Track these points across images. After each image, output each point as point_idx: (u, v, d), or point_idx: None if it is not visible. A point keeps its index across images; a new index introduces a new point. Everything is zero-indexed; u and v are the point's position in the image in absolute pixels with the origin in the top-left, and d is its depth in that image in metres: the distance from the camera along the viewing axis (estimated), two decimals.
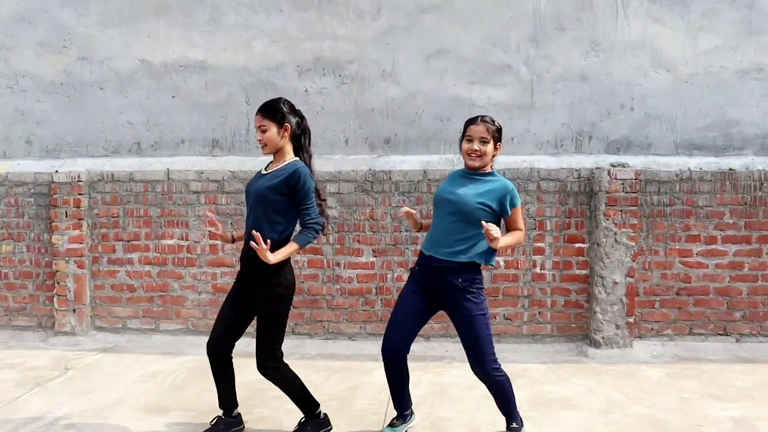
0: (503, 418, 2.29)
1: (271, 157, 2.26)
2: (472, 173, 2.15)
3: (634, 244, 3.37)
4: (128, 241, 3.70)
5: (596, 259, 3.41)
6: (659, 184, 3.44)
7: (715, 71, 3.52)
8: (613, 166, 3.40)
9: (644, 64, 3.53)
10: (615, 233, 3.37)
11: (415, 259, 3.47)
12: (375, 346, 3.45)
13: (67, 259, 3.65)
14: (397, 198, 3.52)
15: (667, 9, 3.51)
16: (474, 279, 2.11)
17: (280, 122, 2.15)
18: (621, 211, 3.37)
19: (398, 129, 3.67)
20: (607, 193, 3.36)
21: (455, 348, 3.46)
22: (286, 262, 2.16)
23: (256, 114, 2.17)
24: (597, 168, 3.42)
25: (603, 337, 3.39)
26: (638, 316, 3.46)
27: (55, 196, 3.66)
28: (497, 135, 2.14)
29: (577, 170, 3.48)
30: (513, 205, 2.13)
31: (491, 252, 2.13)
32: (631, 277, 3.38)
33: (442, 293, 2.13)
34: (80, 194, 3.66)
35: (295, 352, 3.29)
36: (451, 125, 3.65)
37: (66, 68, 3.79)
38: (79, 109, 3.81)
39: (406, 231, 3.55)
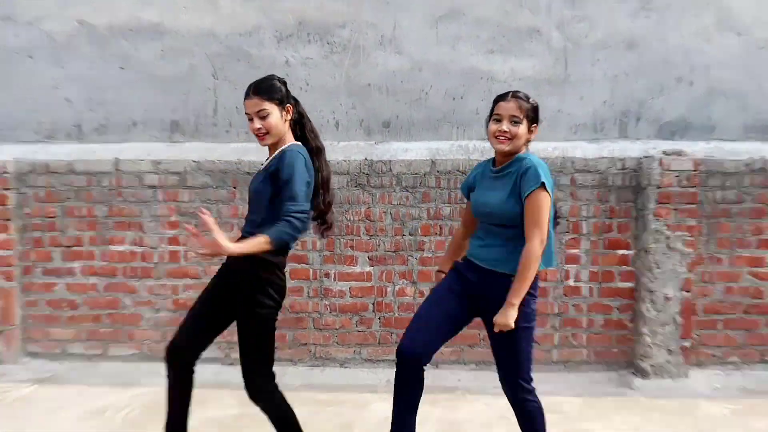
0: None
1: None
2: (499, 170, 2.21)
3: (691, 250, 3.44)
4: (68, 247, 3.76)
5: (644, 269, 3.48)
6: (724, 177, 3.50)
7: None
8: (667, 155, 3.46)
9: (708, 27, 3.58)
10: (668, 237, 3.43)
11: (421, 268, 3.63)
12: (372, 375, 3.58)
13: None
14: (399, 194, 3.60)
15: None
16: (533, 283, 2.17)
17: (281, 103, 2.20)
18: (675, 209, 3.43)
19: (400, 109, 3.74)
20: (659, 187, 3.43)
21: (469, 377, 3.56)
22: (276, 270, 2.24)
23: (251, 96, 2.18)
24: (646, 157, 3.49)
25: (652, 365, 3.46)
26: (696, 340, 3.53)
27: None
28: (532, 114, 2.17)
29: (621, 160, 3.55)
30: (527, 190, 2.07)
31: (549, 253, 2.18)
32: (688, 291, 3.45)
33: (487, 296, 2.18)
34: (6, 189, 3.71)
35: (276, 381, 3.37)
36: (465, 104, 3.71)
37: None
38: (2, 83, 3.83)
39: (409, 235, 3.64)
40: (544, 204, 2.08)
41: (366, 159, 3.65)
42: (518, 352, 2.19)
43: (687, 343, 3.49)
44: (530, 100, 2.20)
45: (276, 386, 2.32)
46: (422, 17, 3.69)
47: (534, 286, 2.17)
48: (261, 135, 2.20)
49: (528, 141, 2.21)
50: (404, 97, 3.74)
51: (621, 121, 3.70)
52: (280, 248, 2.18)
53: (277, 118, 2.19)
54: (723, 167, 3.52)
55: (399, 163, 3.62)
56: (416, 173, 3.62)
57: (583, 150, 3.61)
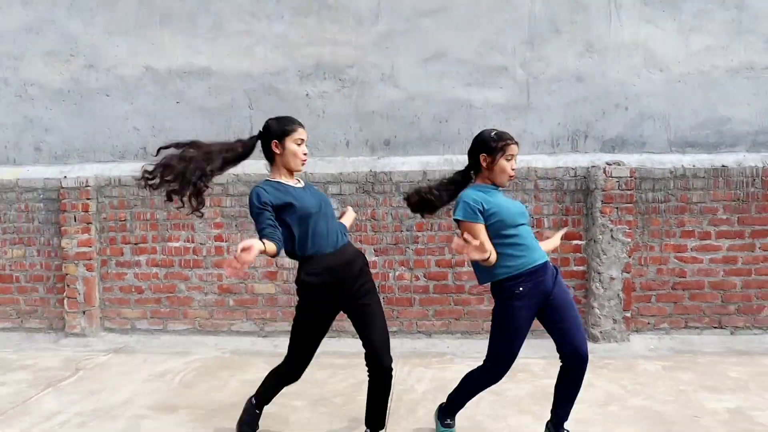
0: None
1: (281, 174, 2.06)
2: (501, 190, 2.03)
3: (630, 240, 3.37)
4: (136, 243, 3.71)
5: (593, 256, 3.41)
6: (654, 182, 3.44)
7: (707, 70, 3.52)
8: (609, 165, 3.40)
9: (638, 65, 3.53)
10: (611, 230, 3.37)
11: (416, 257, 3.54)
12: None
13: (76, 262, 3.66)
14: (398, 198, 3.52)
15: (659, 10, 3.52)
16: None
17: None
18: (617, 208, 3.37)
19: (398, 131, 3.68)
20: (603, 190, 3.37)
21: (456, 344, 3.47)
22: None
23: (302, 126, 2.01)
24: (593, 166, 3.42)
25: (601, 332, 3.39)
26: (635, 311, 3.46)
27: (64, 201, 3.67)
28: None
29: (573, 169, 3.48)
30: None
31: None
32: (628, 272, 3.38)
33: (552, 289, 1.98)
34: (88, 199, 3.68)
35: None
36: (449, 126, 3.64)
37: (73, 76, 3.80)
38: (86, 115, 3.82)
39: (407, 230, 3.55)
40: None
41: (371, 170, 3.58)
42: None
43: (628, 314, 3.41)
44: None
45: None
46: (414, 58, 3.64)
47: None
48: (305, 160, 2.03)
49: None
50: (401, 122, 3.67)
51: (573, 139, 3.62)
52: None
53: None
54: (653, 174, 3.45)
55: (397, 174, 3.55)
56: (411, 181, 3.53)
57: (543, 161, 3.54)
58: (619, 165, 3.40)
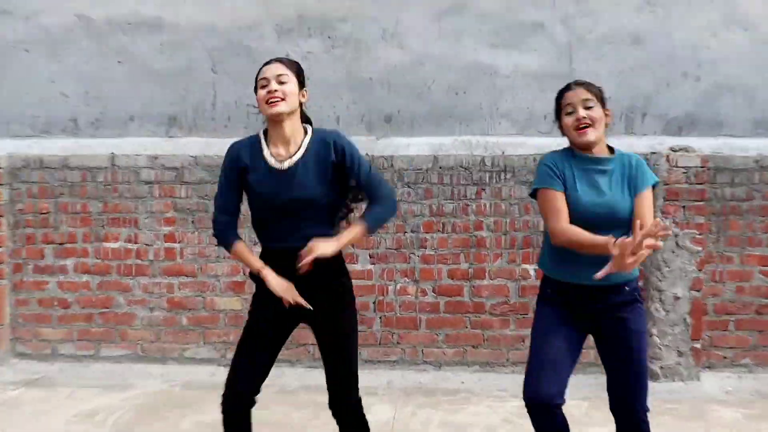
0: None
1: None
2: (595, 161, 1.92)
3: (700, 249, 3.34)
4: (61, 244, 3.66)
5: (652, 268, 3.37)
6: (733, 174, 3.42)
7: None
8: (674, 151, 3.37)
9: (715, 22, 3.51)
10: (676, 235, 3.34)
11: (423, 266, 3.47)
12: (373, 376, 3.45)
13: None
14: (401, 190, 3.49)
15: None
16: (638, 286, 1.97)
17: (302, 83, 1.96)
18: (684, 207, 3.34)
19: (402, 104, 3.65)
20: (666, 184, 3.34)
21: (473, 379, 3.44)
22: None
23: (273, 62, 1.94)
24: (653, 153, 3.39)
25: (662, 367, 3.35)
26: (707, 341, 3.42)
27: None
28: (602, 96, 1.98)
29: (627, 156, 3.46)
30: (645, 183, 1.88)
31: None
32: (698, 290, 3.35)
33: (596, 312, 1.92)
34: None
35: (272, 384, 3.20)
36: (468, 99, 3.62)
37: None
38: None
39: (412, 232, 3.52)
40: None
41: (367, 154, 3.51)
42: (645, 366, 2.00)
43: (698, 345, 3.37)
44: (594, 84, 2.01)
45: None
46: (424, 11, 3.61)
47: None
48: (275, 100, 1.86)
49: (606, 125, 1.97)
50: (406, 92, 3.65)
51: (627, 117, 3.61)
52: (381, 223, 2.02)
53: (295, 91, 1.91)
54: (732, 163, 3.43)
55: (400, 159, 3.52)
56: (418, 169, 3.51)
57: None
58: (687, 151, 3.37)
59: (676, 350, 3.34)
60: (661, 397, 3.16)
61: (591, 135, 1.91)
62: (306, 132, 1.97)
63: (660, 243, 1.71)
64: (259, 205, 1.95)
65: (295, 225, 1.91)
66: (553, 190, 1.92)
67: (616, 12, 3.53)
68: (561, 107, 1.99)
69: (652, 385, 3.24)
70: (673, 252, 3.34)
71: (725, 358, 3.45)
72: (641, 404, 1.99)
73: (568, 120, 1.94)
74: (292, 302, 1.89)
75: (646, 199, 1.89)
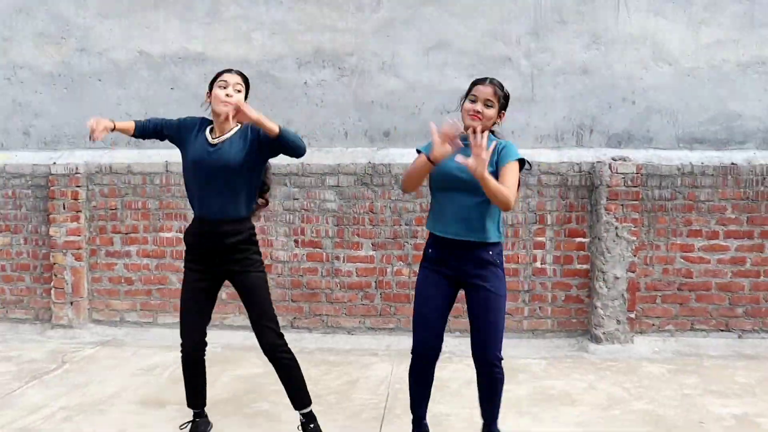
0: (503, 413, 2.20)
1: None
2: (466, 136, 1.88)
3: (635, 238, 3.32)
4: (126, 233, 3.64)
5: (597, 254, 3.35)
6: (661, 178, 3.38)
7: (717, 64, 3.45)
8: (615, 160, 3.34)
9: (646, 57, 3.47)
10: (616, 228, 3.31)
11: (415, 252, 3.46)
12: (374, 341, 3.47)
13: (64, 251, 3.60)
14: (397, 191, 3.47)
15: (669, 2, 3.44)
16: (501, 252, 1.93)
17: (246, 95, 2.08)
18: (622, 205, 3.31)
19: (398, 122, 3.62)
20: (609, 187, 3.31)
21: (454, 343, 3.37)
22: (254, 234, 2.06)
23: (233, 72, 2.05)
24: (598, 162, 3.37)
25: (604, 333, 3.33)
26: (639, 312, 3.40)
27: (52, 188, 3.61)
28: (503, 101, 1.93)
29: (578, 164, 3.42)
30: (505, 159, 1.85)
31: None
32: (633, 272, 3.32)
33: (466, 268, 1.90)
34: (78, 186, 3.60)
35: (293, 346, 3.13)
36: (451, 118, 3.58)
37: (64, 59, 3.73)
38: (77, 100, 3.75)
39: (405, 225, 3.50)
40: (515, 175, 1.88)
41: (369, 162, 3.53)
42: (500, 320, 1.92)
43: (632, 315, 3.35)
44: (504, 88, 1.95)
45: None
46: (416, 47, 3.58)
47: (501, 259, 1.94)
48: (227, 102, 1.97)
49: (494, 124, 1.95)
50: (401, 112, 3.62)
51: (578, 133, 3.57)
52: (289, 141, 1.91)
53: (242, 100, 2.01)
54: (660, 171, 3.40)
55: (397, 166, 3.49)
56: None
57: (547, 156, 3.47)
58: (625, 161, 3.33)
59: (615, 319, 3.32)
60: (602, 357, 3.18)
61: (477, 124, 1.87)
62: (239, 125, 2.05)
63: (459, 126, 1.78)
64: (189, 172, 2.03)
65: (217, 194, 1.97)
66: (421, 152, 1.97)
67: (569, 48, 3.50)
68: (469, 92, 1.94)
69: (595, 347, 3.29)
70: (614, 241, 3.31)
71: (653, 325, 3.43)
72: (493, 352, 1.92)
73: (468, 105, 1.92)
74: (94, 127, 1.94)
75: (507, 171, 1.85)
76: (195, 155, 2.01)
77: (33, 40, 3.75)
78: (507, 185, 1.83)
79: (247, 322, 3.62)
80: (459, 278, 1.95)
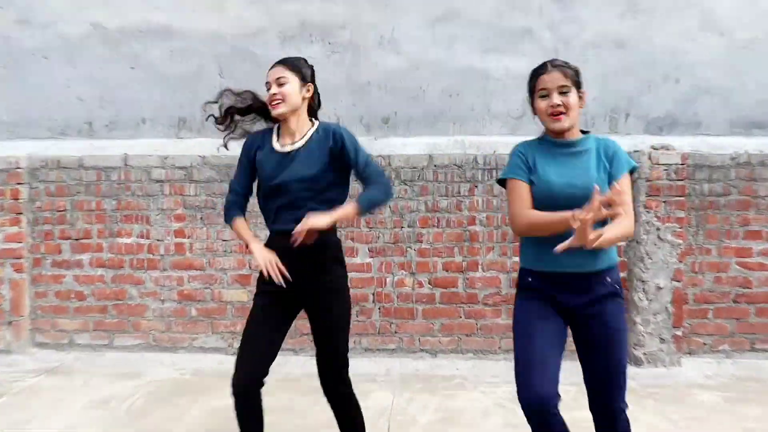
0: None
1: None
2: (567, 144, 1.76)
3: (681, 241, 3.29)
4: (77, 239, 3.61)
5: (635, 260, 3.31)
6: (711, 170, 3.37)
7: None
8: (656, 149, 3.32)
9: (692, 28, 3.47)
10: (658, 229, 3.28)
11: (420, 259, 3.40)
12: (372, 364, 3.41)
13: (2, 261, 3.57)
14: (398, 187, 3.43)
15: None
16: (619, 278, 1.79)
17: (304, 78, 1.97)
18: (665, 202, 3.29)
19: (399, 106, 3.60)
20: (648, 181, 3.29)
21: (467, 366, 3.38)
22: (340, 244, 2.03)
23: (275, 65, 1.97)
24: (636, 151, 3.34)
25: (645, 353, 3.29)
26: (688, 328, 3.37)
27: None
28: (577, 79, 1.78)
29: None
30: (618, 169, 1.71)
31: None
32: (678, 281, 3.29)
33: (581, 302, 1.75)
34: (19, 184, 3.58)
35: (275, 371, 3.16)
36: (461, 101, 3.57)
37: (2, 33, 3.69)
38: (18, 82, 3.71)
39: (408, 227, 3.45)
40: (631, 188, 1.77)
41: None
42: (624, 359, 1.76)
43: (679, 332, 3.31)
44: (570, 64, 1.79)
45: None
46: (419, 18, 3.55)
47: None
48: (275, 102, 1.93)
49: (581, 109, 1.79)
50: (402, 95, 3.60)
51: (611, 117, 3.55)
52: (374, 209, 1.99)
53: (296, 89, 1.94)
54: (709, 161, 3.38)
55: (398, 158, 3.46)
56: (414, 167, 3.45)
57: None
58: (667, 150, 3.32)
59: (658, 337, 3.28)
60: (644, 382, 3.12)
61: (565, 122, 1.75)
62: (312, 124, 2.01)
63: (619, 209, 1.52)
64: (263, 186, 1.97)
65: (294, 207, 1.90)
66: (517, 180, 1.77)
67: (600, 18, 3.48)
68: (534, 89, 1.79)
69: (635, 371, 3.22)
70: (655, 245, 3.27)
71: (705, 344, 3.40)
72: (618, 402, 1.79)
73: (542, 104, 1.76)
74: (272, 273, 1.85)
75: (623, 185, 1.70)
76: (264, 167, 1.97)
77: None
78: (627, 212, 1.66)
79: (221, 344, 3.60)
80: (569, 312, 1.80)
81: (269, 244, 1.96)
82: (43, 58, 3.69)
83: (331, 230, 1.92)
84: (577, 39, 3.50)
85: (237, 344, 3.49)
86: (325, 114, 3.58)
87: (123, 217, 3.58)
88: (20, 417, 2.73)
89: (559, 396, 1.71)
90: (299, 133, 1.97)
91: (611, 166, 1.75)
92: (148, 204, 3.57)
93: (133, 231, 3.57)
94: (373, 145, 3.50)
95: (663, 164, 3.28)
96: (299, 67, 1.98)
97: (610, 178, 1.72)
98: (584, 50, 3.49)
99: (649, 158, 3.28)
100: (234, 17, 3.59)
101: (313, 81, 2.03)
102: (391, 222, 3.45)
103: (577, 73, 1.79)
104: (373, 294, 3.47)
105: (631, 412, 2.71)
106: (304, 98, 1.98)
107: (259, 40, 3.58)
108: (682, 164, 3.29)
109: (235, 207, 2.03)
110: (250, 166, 2.01)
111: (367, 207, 1.91)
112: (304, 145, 1.94)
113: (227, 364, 3.33)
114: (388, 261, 3.46)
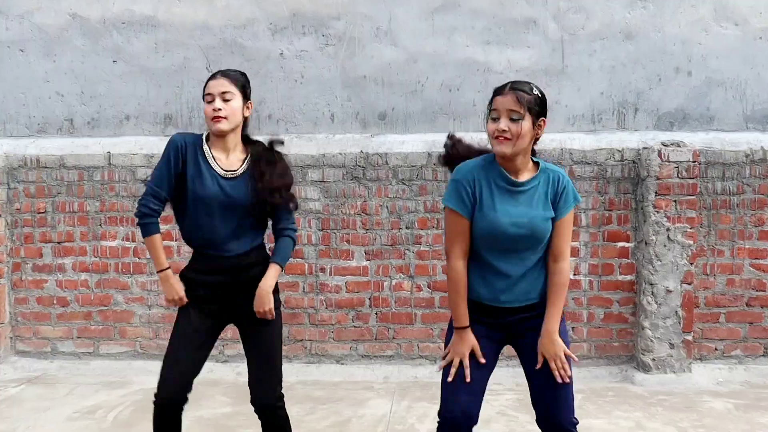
0: None
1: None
2: (514, 183, 1.80)
3: (692, 242, 3.34)
4: (59, 242, 3.66)
5: (644, 262, 3.38)
6: (724, 167, 3.42)
7: None
8: (666, 146, 3.37)
9: (705, 17, 3.51)
10: (668, 229, 3.34)
11: (418, 262, 3.49)
12: (369, 371, 3.50)
13: None
14: (395, 187, 3.50)
15: None
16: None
17: (246, 96, 2.05)
18: (675, 201, 3.34)
19: (396, 101, 3.65)
20: (658, 179, 3.34)
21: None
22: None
23: (218, 77, 2.02)
24: (645, 148, 3.40)
25: (654, 359, 3.36)
26: (698, 333, 3.43)
27: None
28: (537, 107, 1.76)
29: (619, 151, 3.46)
30: (566, 206, 1.82)
31: None
32: (689, 283, 3.35)
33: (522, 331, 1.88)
34: None
35: None
36: (461, 96, 3.62)
37: None
38: None
39: (406, 228, 3.53)
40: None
41: (362, 152, 3.55)
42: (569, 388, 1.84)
43: (689, 337, 3.38)
44: (533, 90, 1.78)
45: None
46: (417, 9, 3.60)
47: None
48: (218, 118, 1.97)
49: (535, 139, 1.80)
50: (400, 89, 3.65)
51: (619, 112, 3.60)
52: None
53: (240, 106, 2.02)
54: (723, 158, 3.44)
55: (395, 156, 3.52)
56: (413, 166, 3.51)
57: (581, 141, 3.51)
58: (678, 146, 3.37)
59: (668, 342, 3.35)
60: (653, 389, 3.20)
61: (506, 148, 1.75)
62: (248, 141, 2.10)
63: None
64: (199, 208, 2.00)
65: (234, 230, 2.00)
66: (457, 214, 1.80)
67: (608, 7, 3.53)
68: (490, 109, 1.81)
69: (644, 377, 3.31)
70: (665, 246, 3.34)
71: (716, 349, 3.46)
72: (566, 417, 1.84)
73: (491, 126, 1.78)
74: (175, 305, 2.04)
75: (566, 225, 1.83)
76: (204, 190, 2.00)
77: None
78: (564, 253, 1.84)
79: (211, 351, 3.68)
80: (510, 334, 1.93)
81: (197, 264, 2.05)
82: (19, 51, 3.74)
83: (261, 247, 2.08)
84: (583, 30, 3.54)
85: (227, 351, 3.61)
86: (319, 110, 3.69)
87: (107, 218, 3.63)
88: (2, 428, 2.79)
89: (476, 420, 1.85)
90: (234, 151, 2.04)
91: (559, 201, 1.82)
92: (133, 205, 3.52)
93: (117, 233, 3.62)
94: (370, 143, 3.57)
95: (673, 161, 3.33)
96: (243, 84, 2.05)
97: (556, 214, 1.83)
98: (591, 41, 3.55)
99: (659, 155, 3.33)
100: (222, 7, 3.63)
101: (250, 97, 2.09)
102: (389, 223, 3.52)
103: (537, 101, 1.78)
104: (370, 299, 3.54)
105: (639, 420, 2.84)
106: (244, 116, 2.05)
107: (249, 32, 3.63)
108: (693, 161, 3.34)
109: (156, 218, 2.02)
110: (176, 174, 1.99)
111: (286, 262, 2.11)
112: (246, 168, 2.02)
113: (217, 372, 3.46)
114: (385, 264, 3.52)
